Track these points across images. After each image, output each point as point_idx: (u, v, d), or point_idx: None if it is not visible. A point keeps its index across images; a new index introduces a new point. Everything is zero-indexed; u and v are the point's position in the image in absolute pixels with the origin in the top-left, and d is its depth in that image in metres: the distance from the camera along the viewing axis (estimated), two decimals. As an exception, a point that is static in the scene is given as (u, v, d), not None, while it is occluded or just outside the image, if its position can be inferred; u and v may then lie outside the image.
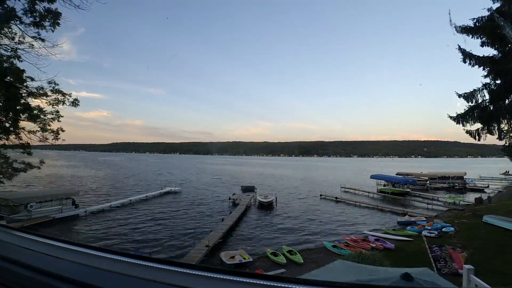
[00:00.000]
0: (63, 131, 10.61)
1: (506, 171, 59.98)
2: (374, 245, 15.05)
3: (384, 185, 38.32)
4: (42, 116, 10.09)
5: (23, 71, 9.17)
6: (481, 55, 16.65)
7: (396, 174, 46.02)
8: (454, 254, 7.13)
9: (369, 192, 36.84)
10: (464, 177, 44.19)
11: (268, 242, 17.03)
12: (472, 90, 17.18)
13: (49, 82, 9.55)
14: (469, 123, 17.55)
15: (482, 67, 16.65)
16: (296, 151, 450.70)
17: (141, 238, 17.55)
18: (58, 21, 8.49)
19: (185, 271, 0.82)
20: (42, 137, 10.25)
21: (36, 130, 10.12)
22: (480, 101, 17.12)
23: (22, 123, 9.96)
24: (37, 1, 8.02)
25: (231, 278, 0.78)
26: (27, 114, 9.81)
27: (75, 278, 0.79)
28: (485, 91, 16.92)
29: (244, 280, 0.77)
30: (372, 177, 41.28)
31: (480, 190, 39.60)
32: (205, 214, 24.79)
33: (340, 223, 22.26)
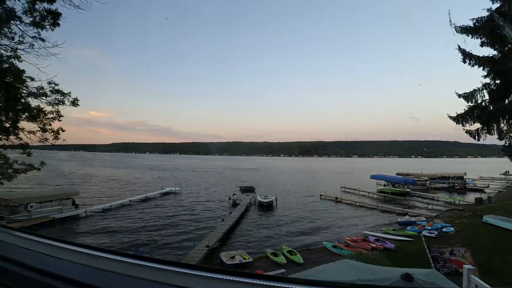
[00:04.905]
0: (63, 131, 10.59)
1: (506, 171, 59.92)
2: (374, 245, 15.05)
3: (384, 185, 38.33)
4: (42, 116, 10.08)
5: (23, 71, 9.16)
6: (481, 55, 16.66)
7: (396, 174, 46.03)
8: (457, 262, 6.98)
9: (369, 192, 36.84)
10: (464, 177, 44.17)
11: (268, 242, 17.03)
12: (472, 90, 17.17)
13: (49, 83, 9.55)
14: (469, 123, 17.54)
15: (482, 67, 16.63)
16: (296, 151, 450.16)
17: (141, 238, 17.55)
18: (58, 21, 8.48)
19: (185, 271, 0.82)
20: (42, 137, 10.24)
21: (36, 130, 10.11)
22: (480, 101, 17.10)
23: (22, 123, 9.96)
24: (37, 1, 8.02)
25: (231, 278, 0.78)
26: (27, 114, 9.80)
27: (75, 278, 0.79)
28: (485, 91, 16.89)
29: (244, 280, 0.77)
30: (372, 177, 41.27)
31: (480, 190, 39.59)
32: (205, 214, 24.79)
33: (340, 223, 22.26)
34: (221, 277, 0.79)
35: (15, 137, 9.76)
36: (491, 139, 17.53)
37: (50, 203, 21.19)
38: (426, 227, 18.43)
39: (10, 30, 8.32)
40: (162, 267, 0.85)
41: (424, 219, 21.68)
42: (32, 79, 9.25)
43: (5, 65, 8.69)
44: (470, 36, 16.15)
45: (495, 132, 16.96)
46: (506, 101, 16.28)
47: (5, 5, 7.63)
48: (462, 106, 17.69)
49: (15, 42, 8.47)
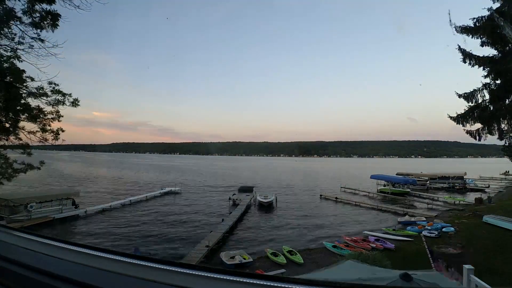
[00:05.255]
0: (63, 131, 10.62)
1: (506, 171, 59.91)
2: (374, 245, 15.05)
3: (384, 185, 38.32)
4: (42, 116, 10.10)
5: (23, 71, 9.18)
6: (481, 55, 16.64)
7: (396, 174, 46.00)
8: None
9: (369, 192, 36.84)
10: (464, 177, 44.15)
11: (268, 242, 17.03)
12: (472, 90, 17.16)
13: (49, 83, 9.56)
14: (469, 123, 17.54)
15: (482, 67, 16.62)
16: (296, 151, 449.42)
17: (141, 238, 17.55)
18: (57, 22, 8.49)
19: (185, 271, 0.82)
20: (42, 138, 10.26)
21: (36, 131, 10.13)
22: (480, 101, 17.09)
23: (22, 123, 9.98)
24: (36, 2, 8.02)
25: (231, 278, 0.78)
26: (27, 114, 9.82)
27: (75, 278, 0.79)
28: (485, 91, 16.89)
29: (244, 280, 0.77)
30: (372, 177, 41.26)
31: (480, 190, 39.55)
32: (205, 214, 24.78)
33: (340, 223, 22.26)
34: (221, 277, 0.79)
35: (15, 137, 9.77)
36: (491, 139, 17.52)
37: (50, 203, 21.19)
38: (426, 227, 18.43)
39: (10, 30, 8.33)
40: (162, 267, 0.85)
41: (424, 219, 21.68)
42: (32, 79, 9.27)
43: (5, 65, 8.70)
44: (470, 36, 16.13)
45: (496, 132, 16.96)
46: (507, 101, 16.28)
47: (5, 5, 7.63)
48: (462, 106, 17.68)
49: (15, 42, 8.48)
